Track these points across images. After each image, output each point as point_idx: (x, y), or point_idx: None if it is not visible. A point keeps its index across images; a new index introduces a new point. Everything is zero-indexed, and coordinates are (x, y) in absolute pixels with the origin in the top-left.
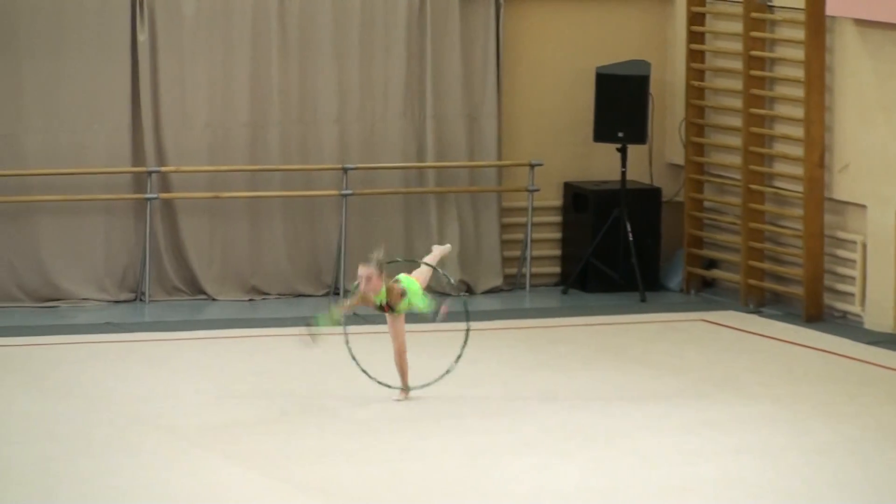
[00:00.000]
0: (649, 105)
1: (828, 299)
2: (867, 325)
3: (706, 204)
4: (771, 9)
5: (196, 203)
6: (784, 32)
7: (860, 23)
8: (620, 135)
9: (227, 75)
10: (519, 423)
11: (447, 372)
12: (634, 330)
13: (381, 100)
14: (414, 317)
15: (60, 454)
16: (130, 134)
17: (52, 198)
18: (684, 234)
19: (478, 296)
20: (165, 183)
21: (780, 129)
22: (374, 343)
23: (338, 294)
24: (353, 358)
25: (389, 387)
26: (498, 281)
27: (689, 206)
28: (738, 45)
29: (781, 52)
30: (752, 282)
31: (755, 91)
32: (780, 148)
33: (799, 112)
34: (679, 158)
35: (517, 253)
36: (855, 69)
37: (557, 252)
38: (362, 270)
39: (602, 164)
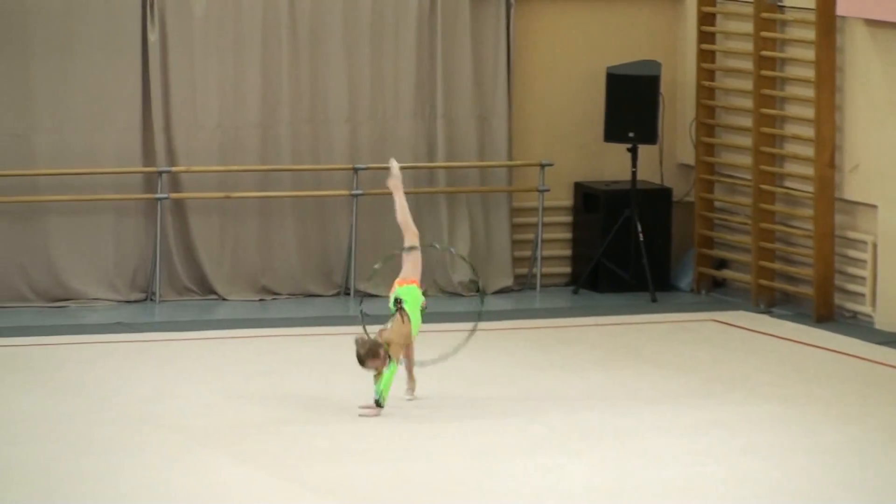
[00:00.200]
0: (660, 105)
1: (838, 299)
2: (878, 326)
3: (717, 204)
4: (781, 9)
5: (206, 203)
6: (794, 32)
7: (871, 23)
8: (631, 135)
9: (237, 75)
10: (528, 423)
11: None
12: (645, 330)
13: (392, 100)
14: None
15: (69, 454)
16: (141, 134)
17: (63, 198)
18: (695, 234)
19: (488, 296)
20: (176, 183)
21: (791, 129)
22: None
23: (348, 294)
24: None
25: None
26: (508, 281)
27: (700, 206)
28: (748, 46)
29: (792, 52)
30: (762, 282)
31: (766, 91)
32: (790, 148)
33: (809, 112)
34: (689, 158)
35: (528, 253)
36: (865, 69)
37: (568, 252)
38: (371, 364)
39: (613, 164)
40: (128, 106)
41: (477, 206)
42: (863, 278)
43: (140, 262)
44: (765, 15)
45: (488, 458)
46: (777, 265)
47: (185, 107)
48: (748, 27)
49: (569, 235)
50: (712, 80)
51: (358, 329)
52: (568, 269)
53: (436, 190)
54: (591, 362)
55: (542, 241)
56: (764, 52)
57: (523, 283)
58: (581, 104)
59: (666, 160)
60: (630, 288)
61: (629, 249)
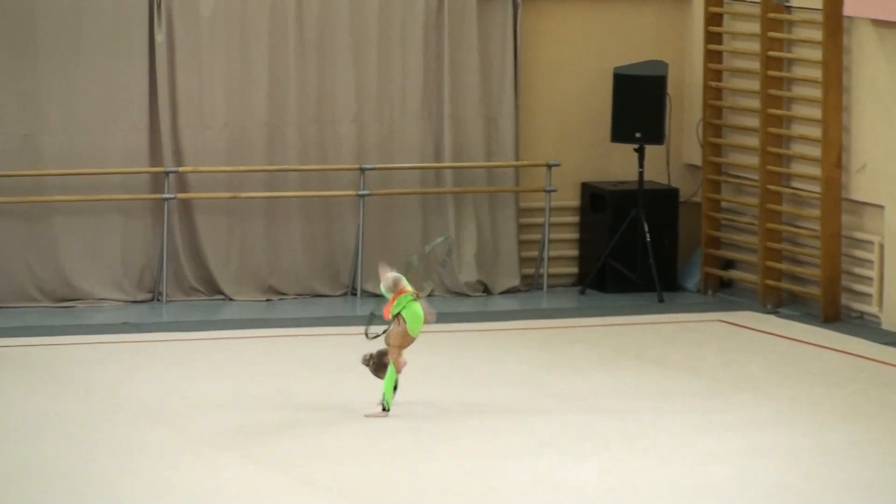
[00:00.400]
0: (667, 105)
1: (845, 300)
2: (884, 326)
3: (723, 204)
4: (788, 9)
5: (213, 203)
6: (801, 33)
7: (878, 23)
8: (638, 135)
9: (244, 75)
10: (536, 424)
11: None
12: (652, 330)
13: (399, 100)
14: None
15: (77, 454)
16: (148, 134)
17: (70, 198)
18: (702, 234)
19: (495, 296)
20: (183, 183)
21: (798, 129)
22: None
23: (355, 294)
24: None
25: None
26: (515, 281)
27: (707, 206)
28: (755, 46)
29: (799, 52)
30: (769, 282)
31: (773, 91)
32: (797, 148)
33: (816, 112)
34: (696, 159)
35: (535, 253)
36: (872, 70)
37: (575, 252)
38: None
39: (619, 164)
40: (135, 106)
41: (484, 206)
42: (870, 279)
43: (147, 262)
44: (772, 15)
45: (496, 458)
46: (784, 265)
47: (191, 107)
48: (755, 27)
49: (576, 236)
50: (719, 80)
51: (362, 329)
52: (575, 270)
53: (443, 190)
54: (597, 362)
55: (549, 241)
56: (771, 53)
57: (530, 284)
58: (588, 104)
59: (673, 160)
60: (637, 288)
61: (636, 250)
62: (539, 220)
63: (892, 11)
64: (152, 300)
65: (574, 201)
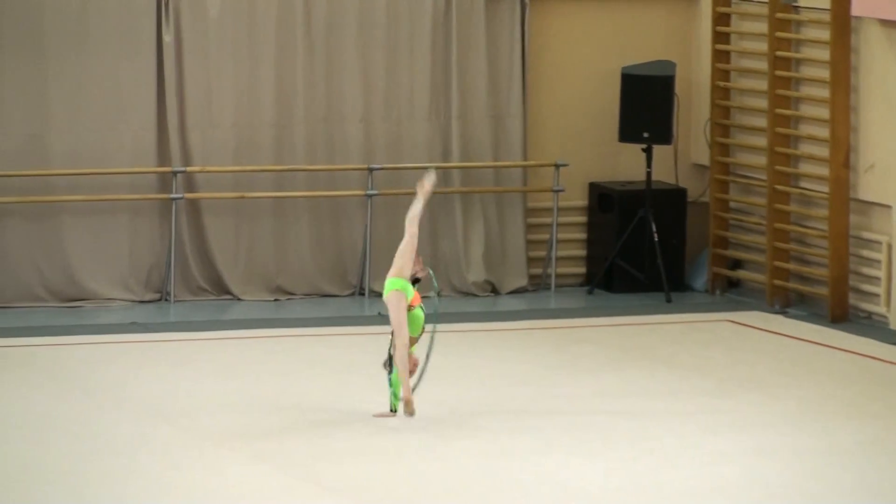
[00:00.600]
0: (674, 105)
1: (853, 300)
2: (892, 326)
3: (731, 204)
4: (796, 9)
5: (221, 203)
6: (809, 33)
7: (886, 23)
8: (646, 135)
9: (252, 75)
10: (543, 423)
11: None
12: (659, 330)
13: (407, 100)
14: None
15: (85, 453)
16: (156, 134)
17: (78, 198)
18: (709, 234)
19: (503, 296)
20: (190, 183)
21: (806, 129)
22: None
23: (363, 294)
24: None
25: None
26: (523, 281)
27: (715, 206)
28: (763, 46)
29: (807, 52)
30: (777, 282)
31: (780, 91)
32: (805, 148)
33: (824, 112)
34: (704, 159)
35: (542, 253)
36: (880, 69)
37: (583, 252)
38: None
39: (627, 164)
40: (143, 106)
41: (492, 206)
42: (877, 279)
43: (155, 262)
44: (780, 15)
45: (502, 458)
46: (792, 265)
47: (199, 107)
48: (763, 27)
49: (583, 236)
50: (727, 80)
51: (369, 329)
52: (582, 270)
53: (450, 190)
54: (605, 363)
55: (557, 241)
56: (779, 53)
57: (538, 284)
58: (596, 104)
59: (681, 160)
60: (644, 288)
61: (644, 250)
62: (547, 220)
63: None
64: (160, 300)
65: (582, 201)
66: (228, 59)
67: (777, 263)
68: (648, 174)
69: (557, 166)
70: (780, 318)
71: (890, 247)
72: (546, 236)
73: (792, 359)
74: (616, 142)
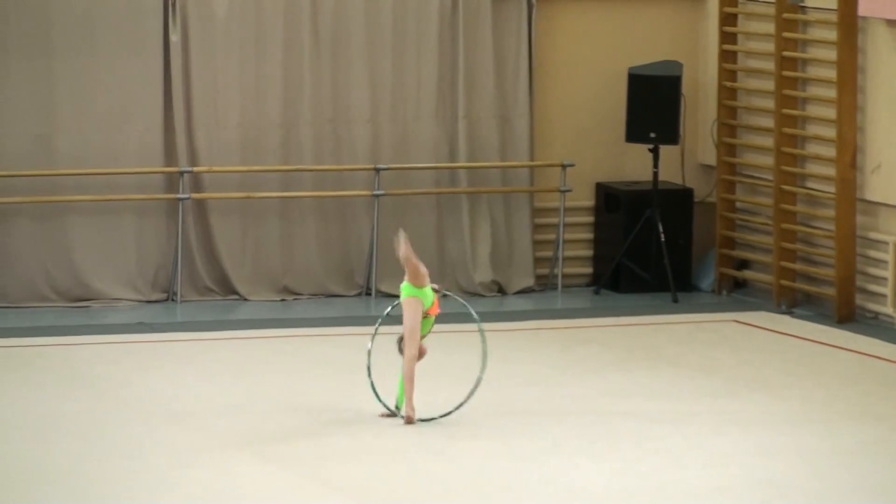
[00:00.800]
0: (681, 106)
1: (859, 300)
2: None
3: (738, 205)
4: (803, 9)
5: (228, 203)
6: (816, 33)
7: (892, 24)
8: (652, 135)
9: (259, 75)
10: (549, 424)
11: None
12: (666, 330)
13: (414, 100)
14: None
15: (91, 453)
16: (162, 134)
17: (85, 198)
18: (716, 234)
19: (510, 296)
20: (197, 183)
21: (812, 129)
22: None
23: (370, 294)
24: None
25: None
26: (530, 281)
27: (721, 206)
28: (770, 46)
29: (813, 52)
30: (783, 282)
31: (787, 92)
32: (811, 149)
33: (831, 113)
34: (711, 159)
35: (549, 253)
36: (887, 70)
37: (589, 252)
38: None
39: (634, 164)
40: (149, 106)
41: (498, 206)
42: (884, 279)
43: (161, 262)
44: (786, 15)
45: (509, 458)
46: (798, 266)
47: (206, 107)
48: (770, 28)
49: (590, 236)
50: (734, 80)
51: (374, 329)
52: (589, 270)
53: (457, 190)
54: (612, 363)
55: (564, 241)
56: (786, 53)
57: (545, 284)
58: (602, 104)
59: (687, 161)
60: (651, 288)
61: (650, 250)
62: (553, 220)
63: None
64: (167, 300)
65: (588, 201)
66: (235, 59)
67: (784, 264)
68: (655, 174)
69: (564, 166)
70: (786, 318)
71: None
72: (553, 236)
73: (798, 359)
74: (623, 142)
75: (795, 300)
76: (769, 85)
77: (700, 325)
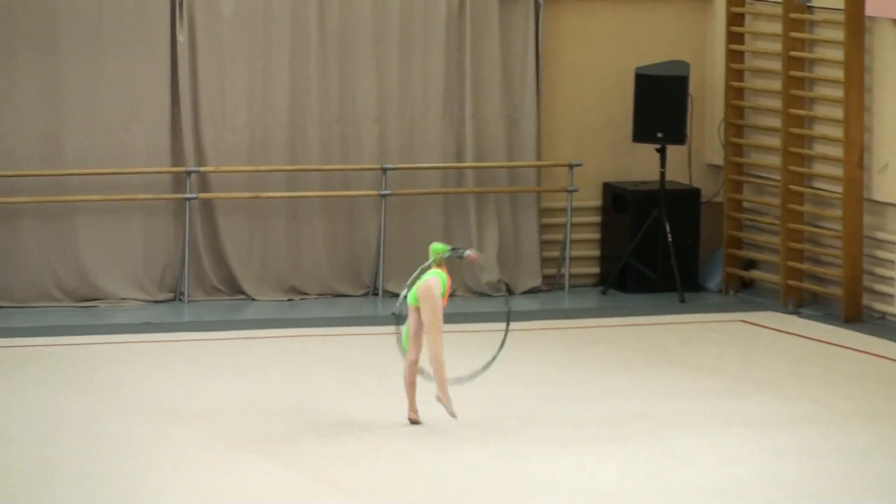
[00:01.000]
0: (688, 105)
1: (867, 300)
2: None
3: (745, 205)
4: (810, 9)
5: (235, 203)
6: (823, 33)
7: None
8: (660, 135)
9: (266, 75)
10: (557, 424)
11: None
12: (673, 330)
13: (421, 100)
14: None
15: (99, 453)
16: (170, 134)
17: (92, 198)
18: (723, 234)
19: (517, 296)
20: (204, 183)
21: (820, 129)
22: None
23: (377, 294)
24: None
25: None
26: (537, 281)
27: (729, 206)
28: (777, 46)
29: (820, 52)
30: (791, 282)
31: (794, 92)
32: (819, 149)
33: (838, 113)
34: (718, 159)
35: (556, 253)
36: (894, 70)
37: (596, 252)
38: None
39: (641, 164)
40: (157, 106)
41: (505, 206)
42: (891, 279)
43: (169, 261)
44: (794, 15)
45: (517, 458)
46: (805, 266)
47: (213, 107)
48: (777, 28)
49: (597, 236)
50: (741, 80)
51: (383, 329)
52: (596, 270)
53: (464, 190)
54: (619, 363)
55: (571, 241)
56: (793, 53)
57: (552, 284)
58: (610, 104)
59: (694, 160)
60: (658, 288)
61: (658, 250)
62: (561, 220)
63: None
64: (174, 300)
65: (596, 201)
66: (242, 59)
67: (791, 264)
68: (662, 174)
69: (571, 166)
70: (793, 318)
71: None
72: (560, 236)
73: (805, 359)
74: (630, 142)
75: (802, 300)
76: (776, 85)
77: (707, 325)
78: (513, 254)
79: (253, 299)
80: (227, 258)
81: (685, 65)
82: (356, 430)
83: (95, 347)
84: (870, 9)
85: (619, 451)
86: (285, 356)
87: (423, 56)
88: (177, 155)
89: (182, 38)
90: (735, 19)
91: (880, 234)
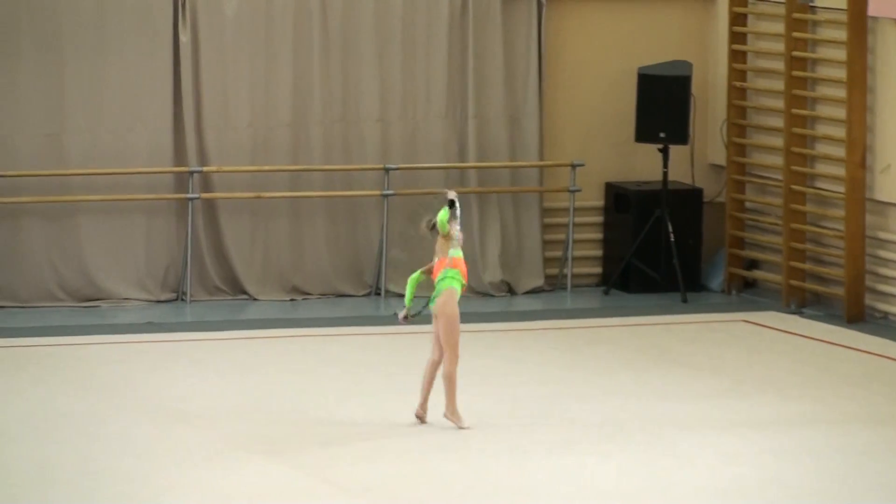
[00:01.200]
0: (691, 105)
1: (869, 300)
2: None
3: (748, 205)
4: (813, 9)
5: (237, 203)
6: (826, 33)
7: None
8: (662, 135)
9: (268, 75)
10: (558, 424)
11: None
12: (675, 330)
13: (423, 100)
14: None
15: (100, 453)
16: (172, 134)
17: (95, 198)
18: (726, 234)
19: (519, 296)
20: (207, 183)
21: (822, 129)
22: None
23: (379, 294)
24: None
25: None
26: (539, 281)
27: (731, 206)
28: (779, 46)
29: (823, 52)
30: (793, 282)
31: (797, 92)
32: (821, 149)
33: (841, 113)
34: (721, 159)
35: (559, 253)
36: None
37: (599, 252)
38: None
39: (644, 164)
40: (159, 106)
41: (508, 206)
42: (894, 279)
43: (171, 261)
44: (796, 15)
45: (518, 457)
46: (808, 266)
47: (216, 107)
48: (780, 28)
49: (600, 236)
50: (743, 80)
51: (385, 329)
52: (599, 270)
53: (467, 190)
54: (621, 363)
55: (573, 241)
56: (795, 53)
57: (554, 284)
58: (612, 104)
59: (697, 161)
60: (661, 288)
61: (660, 250)
62: (563, 220)
63: None
64: (176, 300)
65: (598, 201)
66: (245, 59)
67: (793, 263)
68: (665, 174)
69: (574, 166)
70: (795, 318)
71: None
72: (562, 236)
73: (807, 359)
74: (632, 142)
75: (805, 300)
76: (779, 85)
77: (709, 325)
78: (515, 253)
79: (255, 299)
80: (230, 258)
81: (688, 65)
82: (358, 430)
83: (97, 347)
84: (872, 9)
85: (621, 450)
86: (287, 356)
87: (425, 56)
88: (179, 155)
89: (185, 38)
90: (738, 19)
91: (883, 234)
